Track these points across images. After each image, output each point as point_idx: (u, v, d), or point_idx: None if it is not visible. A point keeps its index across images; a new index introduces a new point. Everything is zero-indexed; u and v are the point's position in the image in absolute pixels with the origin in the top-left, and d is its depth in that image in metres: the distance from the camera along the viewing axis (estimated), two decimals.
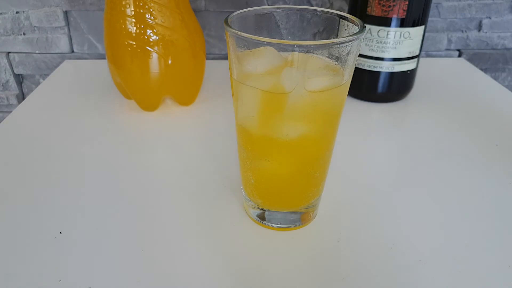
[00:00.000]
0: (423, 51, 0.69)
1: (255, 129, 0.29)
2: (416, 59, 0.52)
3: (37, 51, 0.66)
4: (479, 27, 0.68)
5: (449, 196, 0.37)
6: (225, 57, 0.68)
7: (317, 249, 0.31)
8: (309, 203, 0.33)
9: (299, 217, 0.33)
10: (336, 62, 0.28)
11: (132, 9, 0.43)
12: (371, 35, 0.50)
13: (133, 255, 0.30)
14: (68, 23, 0.64)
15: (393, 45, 0.49)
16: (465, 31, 0.68)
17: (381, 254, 0.31)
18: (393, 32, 0.49)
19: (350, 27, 0.30)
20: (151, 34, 0.44)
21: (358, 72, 0.52)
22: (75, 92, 0.56)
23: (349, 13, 0.45)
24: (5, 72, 0.67)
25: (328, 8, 0.52)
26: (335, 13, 0.31)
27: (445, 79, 0.61)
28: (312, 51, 0.26)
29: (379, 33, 0.49)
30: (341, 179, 0.39)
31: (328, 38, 0.31)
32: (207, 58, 0.64)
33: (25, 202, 0.36)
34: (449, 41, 0.69)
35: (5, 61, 0.66)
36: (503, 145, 0.44)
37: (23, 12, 0.63)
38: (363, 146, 0.45)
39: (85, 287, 0.28)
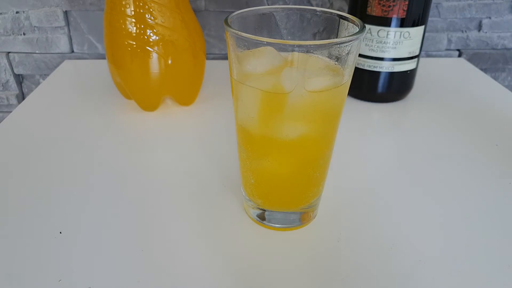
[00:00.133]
0: (423, 51, 0.69)
1: (255, 129, 0.29)
2: (416, 59, 0.52)
3: (37, 51, 0.66)
4: (479, 27, 0.68)
5: (449, 196, 0.37)
6: (225, 57, 0.68)
7: (317, 249, 0.31)
8: (309, 203, 0.33)
9: (299, 217, 0.33)
10: (336, 62, 0.28)
11: (132, 9, 0.43)
12: (371, 35, 0.50)
13: (133, 255, 0.30)
14: (68, 23, 0.64)
15: (393, 45, 0.49)
16: (465, 31, 0.68)
17: (381, 254, 0.31)
18: (393, 32, 0.49)
19: (350, 27, 0.30)
20: (151, 34, 0.44)
21: (358, 72, 0.52)
22: (75, 92, 0.56)
23: (349, 13, 0.45)
24: (5, 72, 0.67)
25: (328, 8, 0.52)
26: (335, 13, 0.31)
27: (445, 79, 0.61)
28: (312, 51, 0.26)
29: (379, 33, 0.49)
30: (341, 179, 0.39)
31: (328, 38, 0.31)
32: (207, 58, 0.64)
33: (25, 202, 0.36)
34: (449, 41, 0.69)
35: (5, 61, 0.66)
36: (503, 145, 0.44)
37: (23, 12, 0.63)
38: (363, 146, 0.45)
39: (85, 287, 0.28)
